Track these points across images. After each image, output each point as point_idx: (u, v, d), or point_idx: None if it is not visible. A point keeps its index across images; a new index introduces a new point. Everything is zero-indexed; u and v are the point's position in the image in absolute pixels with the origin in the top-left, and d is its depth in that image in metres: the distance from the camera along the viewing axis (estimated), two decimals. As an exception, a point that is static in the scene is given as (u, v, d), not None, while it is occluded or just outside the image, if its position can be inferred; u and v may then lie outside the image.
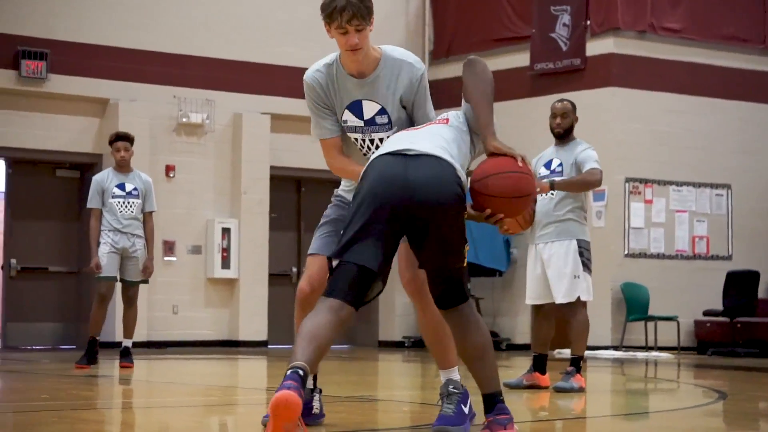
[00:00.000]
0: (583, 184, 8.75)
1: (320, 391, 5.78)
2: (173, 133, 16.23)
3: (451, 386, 5.45)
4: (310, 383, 5.69)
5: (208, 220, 16.41)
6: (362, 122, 5.50)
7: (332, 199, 5.82)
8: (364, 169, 5.02)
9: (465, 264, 5.03)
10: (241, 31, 16.71)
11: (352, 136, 5.56)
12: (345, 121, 5.54)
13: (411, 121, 5.52)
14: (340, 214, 5.67)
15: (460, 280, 5.03)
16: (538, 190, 8.38)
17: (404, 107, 5.49)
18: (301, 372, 4.57)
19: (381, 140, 5.50)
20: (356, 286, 4.84)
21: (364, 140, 5.54)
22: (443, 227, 4.91)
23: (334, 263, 4.86)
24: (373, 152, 5.47)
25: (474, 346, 5.05)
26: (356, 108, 5.49)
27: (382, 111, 5.48)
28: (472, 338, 5.05)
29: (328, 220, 5.74)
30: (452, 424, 5.30)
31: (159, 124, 16.06)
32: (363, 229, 4.84)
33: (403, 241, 5.22)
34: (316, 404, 5.74)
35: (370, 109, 5.48)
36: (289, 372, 4.56)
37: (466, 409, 5.40)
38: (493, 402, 5.06)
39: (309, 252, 5.73)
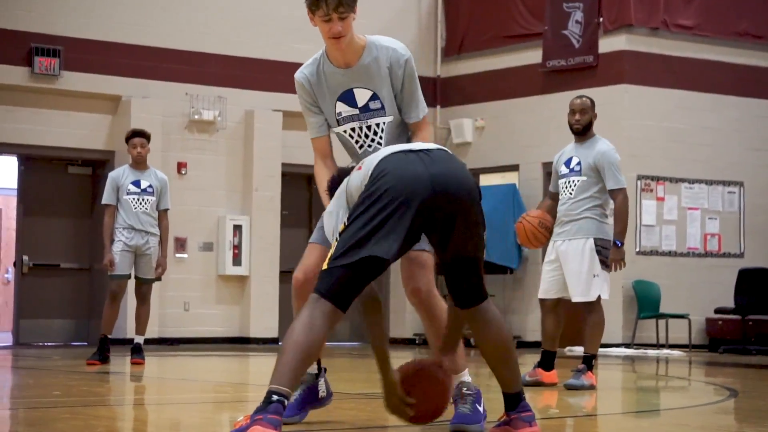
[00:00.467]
0: (624, 217, 8.82)
1: (325, 370, 5.76)
2: (185, 130, 16.26)
3: (464, 388, 5.45)
4: (313, 368, 5.70)
5: (220, 217, 16.44)
6: (357, 110, 5.51)
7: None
8: (373, 168, 4.87)
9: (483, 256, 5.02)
10: (252, 28, 16.72)
11: (349, 126, 5.54)
12: (339, 113, 5.54)
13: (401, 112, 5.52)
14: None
15: (480, 275, 5.01)
16: (613, 262, 8.68)
17: (396, 92, 5.49)
18: (286, 402, 4.56)
19: (378, 125, 5.50)
20: (357, 290, 4.75)
21: (361, 128, 5.53)
22: (470, 218, 4.87)
23: (344, 261, 4.72)
24: (371, 141, 5.49)
25: (496, 346, 5.03)
26: (348, 97, 5.49)
27: (374, 96, 5.48)
28: (495, 337, 5.02)
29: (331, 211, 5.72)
30: (470, 422, 5.32)
31: (171, 121, 16.08)
32: (384, 223, 4.71)
33: (406, 255, 5.20)
34: (321, 387, 5.72)
35: (362, 96, 5.48)
36: (274, 399, 4.51)
37: (480, 408, 5.42)
38: (517, 400, 5.06)
39: (310, 240, 5.69)
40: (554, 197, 9.15)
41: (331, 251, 4.79)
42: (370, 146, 5.52)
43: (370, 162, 4.96)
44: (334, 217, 5.07)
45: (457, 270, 4.97)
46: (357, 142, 5.57)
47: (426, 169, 4.81)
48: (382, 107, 5.50)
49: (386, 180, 4.77)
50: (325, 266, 4.76)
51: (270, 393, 4.56)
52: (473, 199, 4.89)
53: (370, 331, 5.01)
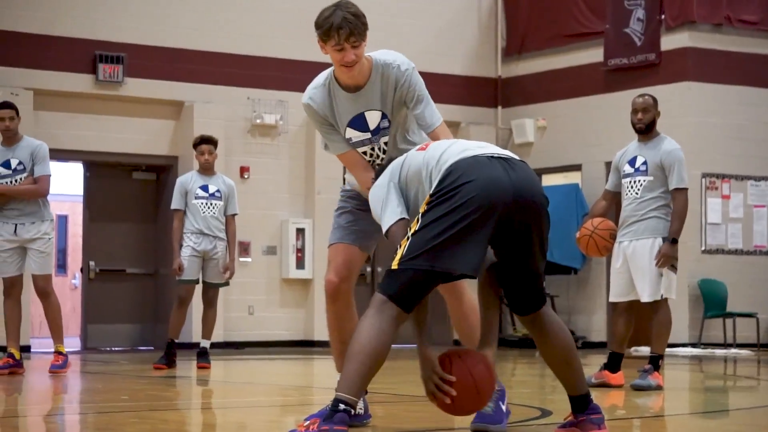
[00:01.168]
0: (684, 216, 8.76)
1: (366, 392, 5.69)
2: (247, 134, 16.35)
3: None
4: None
5: (283, 221, 16.50)
6: (369, 133, 5.50)
7: (342, 192, 5.78)
8: (449, 165, 4.75)
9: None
10: (312, 31, 16.73)
11: (361, 150, 5.54)
12: (350, 139, 5.52)
13: (407, 120, 5.49)
14: (356, 205, 5.65)
15: (541, 283, 4.95)
16: (663, 257, 8.54)
17: (406, 106, 5.46)
18: (352, 411, 4.54)
19: (386, 142, 5.48)
20: (424, 294, 4.68)
21: (373, 149, 5.53)
22: (542, 227, 4.82)
23: (421, 265, 4.57)
24: (380, 159, 5.45)
25: (558, 350, 4.97)
26: (359, 122, 5.46)
27: (384, 115, 5.46)
28: (556, 341, 4.96)
29: (348, 210, 5.69)
30: (492, 422, 5.27)
31: (233, 126, 16.18)
32: (467, 232, 4.61)
33: None
34: (360, 404, 5.64)
35: (373, 118, 5.46)
36: (341, 408, 4.50)
37: (504, 407, 5.35)
38: (585, 402, 5.01)
39: (331, 242, 5.66)
40: (608, 196, 9.09)
41: (402, 250, 4.66)
42: (378, 164, 5.50)
43: (440, 153, 4.85)
44: (384, 189, 4.98)
45: (521, 280, 4.91)
46: (369, 159, 5.56)
47: (508, 176, 4.73)
48: (389, 125, 5.49)
49: (471, 187, 4.65)
50: (395, 265, 4.66)
51: (337, 401, 4.55)
52: (546, 210, 4.85)
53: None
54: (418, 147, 5.06)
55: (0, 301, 11.09)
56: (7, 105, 10.13)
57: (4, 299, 10.20)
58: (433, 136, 5.43)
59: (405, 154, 5.10)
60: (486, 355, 4.90)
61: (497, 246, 4.85)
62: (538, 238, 4.82)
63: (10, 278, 10.05)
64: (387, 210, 4.95)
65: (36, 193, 9.96)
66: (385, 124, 5.47)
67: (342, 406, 4.52)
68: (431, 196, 4.72)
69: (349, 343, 4.65)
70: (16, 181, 9.96)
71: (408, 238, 4.69)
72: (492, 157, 4.80)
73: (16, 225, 9.96)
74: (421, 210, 4.73)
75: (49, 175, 10.04)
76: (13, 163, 9.98)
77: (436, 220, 4.64)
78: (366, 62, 5.39)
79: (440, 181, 4.73)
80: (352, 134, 5.50)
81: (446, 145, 4.93)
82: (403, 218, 4.90)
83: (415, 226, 4.70)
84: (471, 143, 4.96)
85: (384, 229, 4.95)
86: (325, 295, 5.69)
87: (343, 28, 5.23)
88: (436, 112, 5.49)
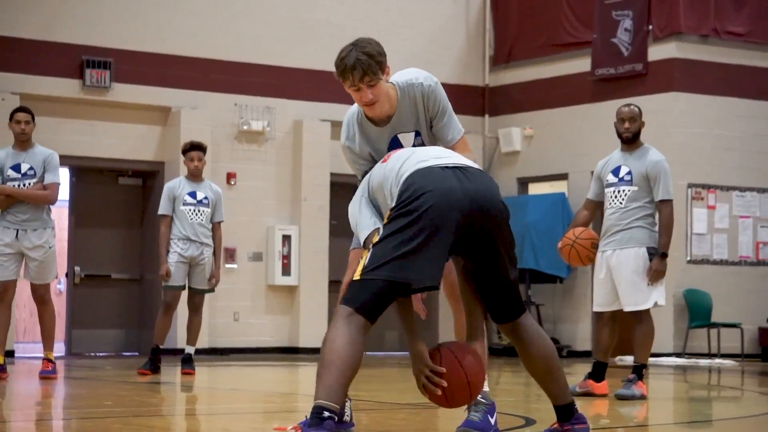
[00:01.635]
0: (671, 228, 8.79)
1: (350, 400, 5.73)
2: (234, 140, 16.34)
3: (479, 396, 5.40)
4: None
5: (269, 227, 16.49)
6: None
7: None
8: (406, 177, 4.82)
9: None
10: (300, 38, 16.78)
11: None
12: None
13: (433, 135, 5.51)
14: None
15: (517, 291, 4.97)
16: (655, 273, 8.59)
17: (431, 119, 5.47)
18: (336, 418, 4.56)
19: None
20: (387, 305, 4.73)
21: None
22: (505, 236, 4.87)
23: (383, 275, 4.65)
24: None
25: (540, 359, 4.97)
26: (395, 145, 5.43)
27: (417, 134, 5.47)
28: (537, 350, 4.96)
29: None
30: (478, 429, 5.28)
31: (220, 132, 16.17)
32: (424, 244, 4.68)
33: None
34: (347, 411, 5.70)
35: (407, 139, 5.45)
36: (326, 415, 4.51)
37: (492, 420, 5.37)
38: (570, 411, 5.01)
39: (353, 246, 5.66)
40: (590, 206, 9.10)
41: (364, 261, 4.74)
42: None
43: (399, 165, 4.91)
44: (356, 205, 5.09)
45: (494, 286, 4.93)
46: None
47: (462, 186, 4.79)
48: (422, 142, 5.50)
49: (427, 198, 4.72)
50: (357, 276, 4.72)
51: (321, 408, 4.54)
52: (506, 217, 4.89)
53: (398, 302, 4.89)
54: (381, 160, 5.10)
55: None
56: (24, 109, 10.18)
57: None
58: (456, 146, 5.45)
59: (373, 168, 5.14)
60: (475, 347, 4.92)
61: (465, 253, 4.90)
62: (503, 243, 4.86)
63: (4, 283, 10.00)
64: (362, 223, 5.05)
65: (46, 200, 9.99)
66: (419, 141, 5.48)
67: (326, 414, 4.52)
68: (392, 209, 4.81)
69: (322, 352, 4.67)
70: (24, 185, 9.97)
71: (369, 250, 4.76)
72: (446, 167, 4.84)
73: (17, 231, 9.96)
74: (384, 222, 4.83)
75: (59, 184, 10.10)
76: (24, 167, 10.00)
77: (396, 232, 4.71)
78: (391, 91, 5.37)
79: (399, 195, 4.81)
80: None
81: (405, 157, 4.98)
82: (378, 227, 4.96)
83: (376, 238, 4.78)
84: (429, 152, 5.00)
85: (361, 241, 5.02)
86: (341, 295, 5.71)
87: (356, 69, 5.19)
88: (457, 125, 5.52)
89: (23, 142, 10.05)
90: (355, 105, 5.48)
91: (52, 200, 10.03)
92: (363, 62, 5.18)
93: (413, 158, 4.93)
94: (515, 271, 4.95)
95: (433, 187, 4.75)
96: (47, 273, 10.04)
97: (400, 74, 5.46)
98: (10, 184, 9.96)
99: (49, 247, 10.02)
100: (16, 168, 10.00)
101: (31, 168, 10.00)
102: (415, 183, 4.78)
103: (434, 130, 5.48)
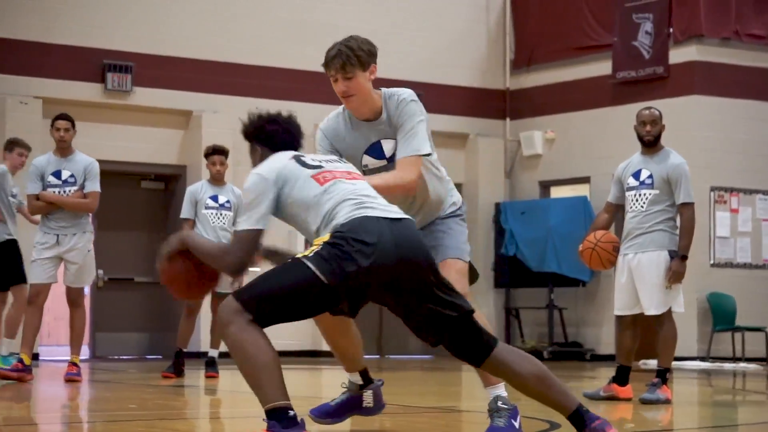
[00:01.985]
0: (692, 231, 8.76)
1: (381, 382, 5.83)
2: (256, 144, 16.35)
3: (500, 402, 5.37)
4: (358, 379, 5.81)
5: (290, 231, 16.46)
6: (385, 160, 5.55)
7: None
8: (342, 223, 4.72)
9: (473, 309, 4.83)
10: (321, 42, 16.73)
11: None
12: (366, 165, 5.56)
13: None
14: None
15: (476, 327, 4.80)
16: (674, 275, 8.55)
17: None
18: (299, 419, 4.63)
19: None
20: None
21: None
22: (432, 276, 4.73)
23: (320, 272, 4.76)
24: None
25: (531, 380, 4.80)
26: (376, 150, 5.52)
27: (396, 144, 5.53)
28: (524, 373, 4.80)
29: None
30: None
31: (241, 136, 16.17)
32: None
33: (452, 258, 5.42)
34: (367, 399, 5.80)
35: (389, 146, 5.52)
36: (292, 414, 4.63)
37: (516, 424, 5.34)
38: (580, 415, 4.90)
39: None
40: (610, 209, 9.08)
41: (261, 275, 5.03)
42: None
43: (336, 204, 4.78)
44: (264, 186, 5.16)
45: (453, 332, 4.77)
46: None
47: (393, 237, 4.66)
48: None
49: (370, 243, 4.62)
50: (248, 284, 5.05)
51: (285, 409, 4.63)
52: (431, 264, 4.73)
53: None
54: (313, 173, 4.95)
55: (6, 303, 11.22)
56: (64, 116, 10.30)
57: (28, 305, 10.21)
58: (398, 163, 5.42)
59: (298, 171, 5.01)
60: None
61: (402, 309, 4.84)
62: (432, 283, 4.71)
63: (38, 286, 10.08)
64: (253, 211, 5.04)
65: (87, 208, 10.16)
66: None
67: (292, 413, 4.60)
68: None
69: (250, 357, 4.78)
70: (65, 192, 10.07)
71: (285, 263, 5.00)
72: (380, 218, 4.70)
73: (57, 235, 10.05)
74: (305, 252, 4.80)
75: (99, 192, 10.24)
76: (65, 174, 10.09)
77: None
78: (375, 94, 5.48)
79: (331, 237, 4.70)
80: (369, 161, 5.57)
81: (342, 195, 4.82)
82: (260, 230, 5.05)
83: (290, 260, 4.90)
84: (367, 195, 4.85)
85: (238, 227, 5.06)
86: None
87: (336, 59, 5.38)
88: (415, 146, 5.40)
89: (63, 149, 10.18)
90: (340, 106, 5.61)
91: (93, 209, 10.20)
92: (343, 53, 5.36)
93: (350, 201, 4.79)
94: (460, 298, 4.78)
95: (371, 239, 4.66)
96: (85, 277, 10.16)
97: (392, 88, 5.56)
98: (50, 190, 10.07)
99: (88, 251, 10.14)
100: (57, 174, 10.09)
101: (72, 176, 10.10)
102: (351, 228, 4.70)
103: (397, 140, 5.51)
